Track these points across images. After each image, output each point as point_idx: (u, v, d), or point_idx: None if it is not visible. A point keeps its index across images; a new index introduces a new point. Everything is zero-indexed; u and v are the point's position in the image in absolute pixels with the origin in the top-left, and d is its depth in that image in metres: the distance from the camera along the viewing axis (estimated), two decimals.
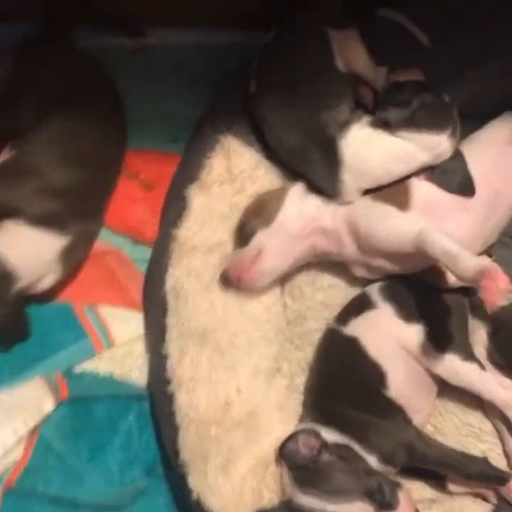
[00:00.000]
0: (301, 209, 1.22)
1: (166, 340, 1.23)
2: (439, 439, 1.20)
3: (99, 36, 1.44)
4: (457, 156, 1.21)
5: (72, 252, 1.27)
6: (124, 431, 1.29)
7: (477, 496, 1.22)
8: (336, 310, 1.28)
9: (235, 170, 1.31)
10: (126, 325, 1.33)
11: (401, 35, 1.32)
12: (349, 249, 1.22)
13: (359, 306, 1.25)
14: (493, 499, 1.21)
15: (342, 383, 1.21)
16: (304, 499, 1.11)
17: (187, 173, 1.32)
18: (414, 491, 1.19)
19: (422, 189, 1.20)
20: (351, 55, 1.27)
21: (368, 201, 1.21)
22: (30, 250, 1.22)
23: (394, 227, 1.16)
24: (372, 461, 1.15)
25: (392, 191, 1.20)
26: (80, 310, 1.34)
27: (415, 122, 1.17)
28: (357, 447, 1.15)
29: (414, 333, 1.19)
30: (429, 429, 1.25)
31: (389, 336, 1.20)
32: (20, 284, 1.21)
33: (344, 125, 1.21)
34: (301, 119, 1.22)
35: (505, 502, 1.20)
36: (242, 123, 1.31)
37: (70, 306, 1.34)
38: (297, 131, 1.22)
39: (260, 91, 1.27)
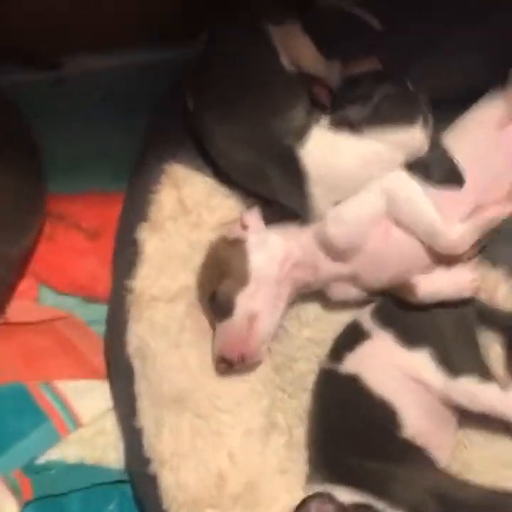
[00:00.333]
0: (267, 252, 1.13)
1: (138, 412, 1.12)
2: (470, 477, 1.09)
3: (10, 73, 1.34)
4: (435, 145, 1.12)
5: None
6: None
7: None
8: (327, 345, 1.19)
9: (188, 201, 1.21)
10: (91, 399, 1.22)
11: (349, 23, 1.22)
12: (325, 268, 1.14)
13: (352, 337, 1.16)
14: None
15: (348, 431, 1.10)
16: None
17: (134, 214, 1.22)
18: None
19: None
20: (297, 51, 1.17)
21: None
22: None
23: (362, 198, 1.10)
24: None
25: None
26: (34, 389, 1.21)
27: (380, 117, 1.08)
28: (380, 504, 1.03)
29: (419, 359, 1.11)
30: (456, 468, 1.13)
31: (392, 367, 1.11)
32: None
33: (301, 131, 1.10)
34: (249, 131, 1.12)
35: None
36: (187, 148, 1.22)
37: (22, 385, 1.22)
38: (248, 146, 1.12)
39: (199, 107, 1.16)
